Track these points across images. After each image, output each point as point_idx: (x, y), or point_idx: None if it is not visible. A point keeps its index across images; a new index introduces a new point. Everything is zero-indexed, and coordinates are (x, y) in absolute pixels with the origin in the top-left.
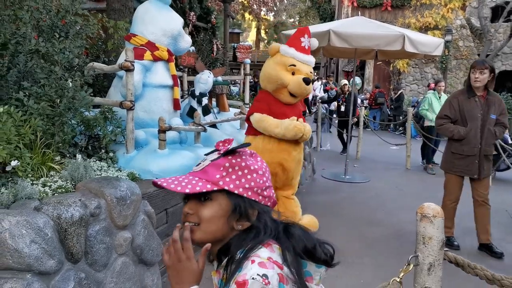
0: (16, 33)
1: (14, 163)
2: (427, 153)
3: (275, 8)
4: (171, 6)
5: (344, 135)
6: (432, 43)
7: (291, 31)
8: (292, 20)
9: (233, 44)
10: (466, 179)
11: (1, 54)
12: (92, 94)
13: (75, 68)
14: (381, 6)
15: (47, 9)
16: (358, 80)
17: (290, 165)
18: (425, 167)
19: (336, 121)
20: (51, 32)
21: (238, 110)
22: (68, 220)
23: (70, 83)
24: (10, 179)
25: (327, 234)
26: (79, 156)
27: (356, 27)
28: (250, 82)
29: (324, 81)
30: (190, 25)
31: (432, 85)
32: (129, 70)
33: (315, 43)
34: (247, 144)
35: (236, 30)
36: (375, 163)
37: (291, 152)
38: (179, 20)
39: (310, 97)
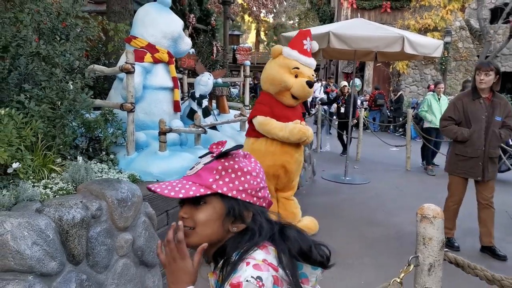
0: (17, 35)
1: (15, 165)
2: (426, 155)
3: (274, 10)
4: (171, 8)
5: (344, 137)
6: (432, 45)
7: (291, 33)
8: (291, 22)
9: (232, 46)
10: (471, 181)
11: (2, 57)
12: (92, 96)
13: (76, 71)
14: (381, 8)
15: (48, 12)
16: (357, 81)
17: (292, 167)
18: (425, 168)
19: (336, 123)
20: (52, 34)
21: (238, 112)
22: (70, 222)
23: (71, 85)
24: (11, 181)
25: (327, 235)
26: (80, 158)
27: (355, 29)
28: (250, 84)
29: (324, 83)
30: (190, 27)
31: (432, 87)
32: (129, 72)
33: (315, 46)
34: (240, 146)
35: (236, 32)
36: (375, 165)
37: (293, 155)
38: (179, 22)
39: (309, 98)
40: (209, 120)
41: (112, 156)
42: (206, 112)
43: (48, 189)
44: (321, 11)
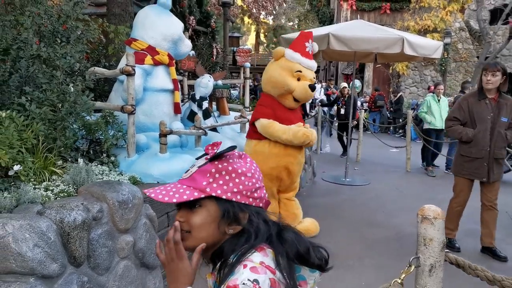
0: (18, 38)
1: (16, 167)
2: (426, 156)
3: (274, 12)
4: (171, 10)
5: (344, 138)
6: (431, 46)
7: (291, 35)
8: (291, 23)
9: (232, 47)
10: (476, 182)
11: (3, 60)
12: (93, 98)
13: (76, 73)
14: (380, 9)
15: (48, 15)
16: (357, 83)
17: (295, 169)
18: (425, 169)
19: (336, 124)
20: (53, 37)
21: (238, 114)
22: (71, 224)
23: (72, 88)
24: (12, 183)
25: (328, 236)
26: (80, 160)
27: (355, 31)
28: (250, 85)
29: (324, 84)
30: (190, 29)
31: (432, 88)
32: (130, 74)
33: (316, 48)
34: (234, 147)
35: (236, 34)
36: (375, 166)
37: (296, 156)
38: (179, 25)
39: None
40: (210, 122)
41: (112, 158)
42: (207, 114)
43: (49, 191)
44: (321, 13)
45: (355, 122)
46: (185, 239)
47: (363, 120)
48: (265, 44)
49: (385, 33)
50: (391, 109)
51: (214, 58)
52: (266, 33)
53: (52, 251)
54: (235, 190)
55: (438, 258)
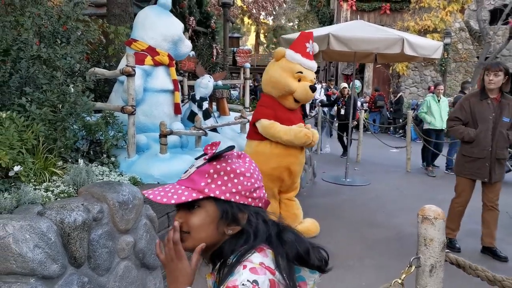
0: (18, 39)
1: (17, 168)
2: (426, 156)
3: (274, 12)
4: (171, 11)
5: (344, 138)
6: (431, 46)
7: (291, 35)
8: (291, 24)
9: (232, 48)
10: (478, 182)
11: (3, 60)
12: (93, 99)
13: (77, 74)
14: (380, 10)
15: (49, 15)
16: (357, 83)
17: (296, 169)
18: (426, 169)
19: (336, 125)
20: (53, 38)
21: (238, 114)
22: (71, 225)
23: (72, 89)
24: (13, 184)
25: (328, 237)
26: (81, 161)
27: (355, 31)
28: (250, 86)
29: (324, 84)
30: (190, 30)
31: (432, 88)
32: (130, 75)
33: (316, 48)
34: (232, 147)
35: (236, 35)
36: (375, 166)
37: (298, 156)
38: (179, 25)
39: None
40: (210, 122)
41: (113, 159)
42: (207, 114)
43: (50, 192)
44: (321, 13)
45: (355, 123)
46: (184, 239)
47: (363, 120)
48: (265, 45)
49: (385, 34)
50: (391, 109)
51: (214, 58)
52: (266, 34)
53: (53, 251)
54: (233, 190)
55: (439, 258)
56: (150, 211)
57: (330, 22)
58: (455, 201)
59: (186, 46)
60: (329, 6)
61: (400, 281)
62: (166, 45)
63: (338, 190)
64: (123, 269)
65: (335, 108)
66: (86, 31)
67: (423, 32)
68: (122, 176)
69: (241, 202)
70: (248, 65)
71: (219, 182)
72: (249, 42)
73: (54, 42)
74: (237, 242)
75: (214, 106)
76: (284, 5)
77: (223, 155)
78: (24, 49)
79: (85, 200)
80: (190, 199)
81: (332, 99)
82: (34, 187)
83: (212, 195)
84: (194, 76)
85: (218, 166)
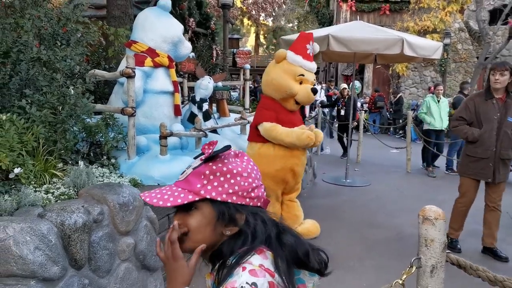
0: (18, 41)
1: (17, 170)
2: (426, 157)
3: (273, 13)
4: (171, 12)
5: (344, 139)
6: (431, 47)
7: (291, 36)
8: (290, 25)
9: (232, 49)
10: (482, 182)
11: (3, 62)
12: (93, 101)
13: (77, 76)
14: (380, 10)
15: (48, 17)
16: (357, 84)
17: (299, 170)
18: (426, 169)
19: (336, 125)
20: (53, 40)
21: (238, 115)
22: (72, 227)
23: (72, 90)
24: (13, 186)
25: (328, 237)
26: (81, 163)
27: (355, 32)
28: (250, 87)
29: (324, 85)
30: (190, 31)
31: (433, 89)
32: (130, 76)
33: (317, 48)
34: (228, 146)
35: (236, 36)
36: (375, 167)
37: (300, 157)
38: (179, 27)
39: None
40: (210, 123)
41: (113, 161)
42: (207, 116)
43: (50, 194)
44: (320, 14)
45: (355, 123)
46: (183, 241)
47: (363, 121)
48: (265, 46)
49: (384, 34)
50: (391, 110)
51: (214, 60)
52: (266, 35)
53: (53, 253)
54: (230, 191)
55: (440, 259)
56: (150, 213)
57: (330, 23)
58: (459, 201)
59: (186, 48)
60: (329, 7)
61: (401, 282)
62: (166, 47)
63: (338, 191)
64: (124, 270)
65: (336, 108)
66: (86, 33)
67: (423, 33)
68: (122, 177)
69: (239, 202)
70: (248, 66)
71: (216, 183)
72: (249, 43)
73: (54, 44)
74: (235, 242)
75: (214, 108)
76: (284, 6)
77: (220, 155)
78: (24, 51)
79: (86, 202)
80: (186, 202)
81: (333, 99)
82: (34, 189)
83: (208, 196)
84: (194, 77)
85: (214, 167)
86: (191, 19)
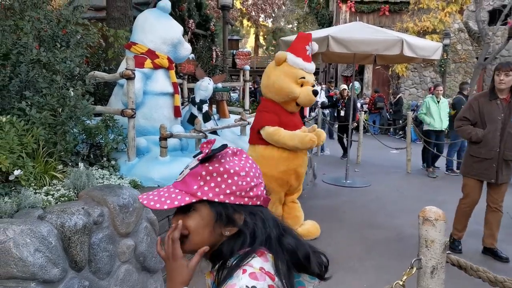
0: (18, 43)
1: (17, 172)
2: (426, 157)
3: (273, 15)
4: (170, 14)
5: (344, 140)
6: (431, 47)
7: (291, 37)
8: (290, 26)
9: (232, 50)
10: (484, 183)
11: (3, 64)
12: (93, 102)
13: (76, 77)
14: (379, 11)
15: (48, 19)
16: (356, 84)
17: (302, 171)
18: (426, 170)
19: (336, 126)
20: (52, 41)
21: (238, 117)
22: (72, 229)
23: (72, 92)
24: (13, 188)
25: (328, 238)
26: (81, 165)
27: (354, 33)
28: (249, 88)
29: (324, 86)
30: (189, 32)
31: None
32: (130, 78)
33: (316, 47)
34: (225, 145)
35: (235, 37)
36: (375, 167)
37: (303, 158)
38: (179, 28)
39: None
40: (210, 125)
41: (113, 162)
42: (207, 117)
43: (50, 196)
44: (320, 15)
45: (355, 124)
46: (183, 241)
47: (363, 121)
48: (265, 47)
49: (384, 35)
50: (391, 110)
51: (214, 61)
52: (266, 36)
53: (53, 255)
54: (227, 191)
55: (440, 259)
56: (150, 214)
57: (329, 24)
58: (462, 201)
59: (186, 49)
60: (328, 8)
61: (401, 283)
62: (165, 48)
63: (338, 191)
64: (124, 272)
65: (336, 109)
66: (86, 35)
67: (422, 33)
68: (123, 179)
69: (237, 202)
70: (247, 67)
71: (212, 184)
72: (249, 44)
73: (54, 46)
74: (235, 243)
75: (214, 109)
76: (283, 7)
77: (217, 155)
78: (23, 53)
79: (86, 204)
80: (182, 204)
81: (334, 99)
82: (34, 191)
83: (205, 198)
84: (193, 78)
85: (211, 168)
86: (191, 21)
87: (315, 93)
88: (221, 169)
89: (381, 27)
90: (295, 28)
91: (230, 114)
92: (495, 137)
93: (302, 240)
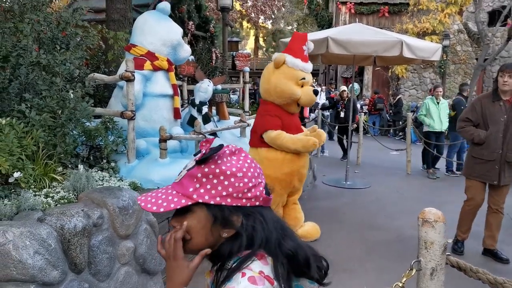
0: (17, 45)
1: (16, 174)
2: (427, 159)
3: (273, 16)
4: (170, 15)
5: (344, 141)
6: (430, 49)
7: (290, 39)
8: (290, 27)
9: (232, 52)
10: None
11: (2, 67)
12: (93, 104)
13: (76, 79)
14: (379, 13)
15: (48, 21)
16: (356, 86)
17: (305, 172)
18: (427, 171)
19: (336, 127)
20: (52, 44)
21: (238, 118)
22: (71, 231)
23: (71, 94)
24: (13, 190)
25: (328, 240)
26: (81, 167)
27: (354, 34)
28: (249, 90)
29: (324, 88)
30: (189, 34)
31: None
32: (129, 80)
33: (311, 46)
34: (221, 145)
35: (235, 39)
36: (375, 169)
37: (306, 159)
38: (178, 30)
39: None
40: (209, 126)
41: (113, 164)
42: (206, 119)
43: (50, 198)
44: (319, 17)
45: (355, 125)
46: (183, 243)
47: (363, 123)
48: (264, 48)
49: (383, 36)
50: (391, 112)
51: (214, 62)
52: (265, 37)
53: (53, 258)
54: (224, 193)
55: (439, 261)
56: (150, 216)
57: (329, 25)
58: (466, 203)
59: (185, 51)
60: (328, 9)
61: (401, 285)
62: (165, 50)
63: (338, 193)
64: (124, 274)
65: (336, 111)
66: (85, 37)
67: (422, 35)
68: (122, 181)
69: (234, 204)
70: (247, 69)
71: (208, 186)
72: (248, 46)
73: (54, 48)
74: (233, 244)
75: (214, 111)
76: (283, 9)
77: (213, 155)
78: (23, 55)
79: (85, 206)
80: (178, 206)
81: (334, 100)
82: (34, 193)
83: (201, 200)
84: (193, 80)
85: (206, 169)
86: (191, 22)
87: (316, 92)
88: (217, 170)
89: (381, 28)
90: (294, 30)
91: (229, 116)
92: (498, 138)
93: (302, 244)
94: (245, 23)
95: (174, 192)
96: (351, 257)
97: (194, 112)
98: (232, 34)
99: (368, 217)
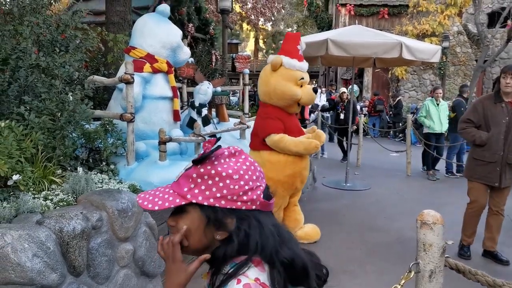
0: (17, 48)
1: (15, 177)
2: (427, 160)
3: (272, 18)
4: (169, 18)
5: (344, 143)
6: (430, 50)
7: None
8: (290, 29)
9: (231, 54)
10: None
11: (2, 69)
12: (92, 107)
13: (75, 82)
14: (378, 14)
15: (47, 24)
16: (355, 87)
17: (306, 173)
18: (427, 173)
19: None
20: (51, 46)
21: (237, 120)
22: (70, 233)
23: (71, 97)
24: (11, 193)
25: (328, 241)
26: (80, 169)
27: (353, 36)
28: (249, 92)
29: (324, 89)
30: (189, 36)
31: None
32: (129, 82)
33: (304, 45)
34: (218, 147)
35: (235, 41)
36: (375, 170)
37: (307, 161)
38: (178, 32)
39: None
40: (209, 128)
41: (112, 167)
42: (206, 121)
43: (49, 200)
44: (319, 18)
45: (355, 127)
46: (181, 244)
47: (363, 124)
48: (264, 50)
49: (383, 38)
50: (391, 113)
51: (213, 65)
52: (265, 39)
53: (52, 260)
54: (218, 195)
55: (438, 263)
56: (149, 219)
57: (329, 27)
58: (470, 206)
59: (185, 53)
60: (327, 11)
61: (399, 287)
62: (165, 52)
63: (338, 194)
64: (123, 277)
65: (336, 113)
66: (85, 39)
67: (421, 36)
68: (122, 183)
69: (228, 206)
70: (247, 71)
71: (203, 187)
72: (248, 48)
73: (53, 50)
74: (227, 247)
75: (214, 113)
76: (283, 11)
77: (211, 156)
78: (23, 58)
79: (84, 209)
80: (172, 206)
81: (335, 102)
82: (33, 196)
83: (194, 201)
84: (193, 82)
85: (202, 170)
86: (190, 25)
87: (315, 90)
88: (213, 171)
89: (380, 30)
90: (294, 32)
91: (229, 118)
92: (499, 140)
93: (300, 252)
94: (245, 25)
95: (171, 191)
96: (351, 259)
97: (194, 114)
98: (232, 36)
99: (368, 218)
